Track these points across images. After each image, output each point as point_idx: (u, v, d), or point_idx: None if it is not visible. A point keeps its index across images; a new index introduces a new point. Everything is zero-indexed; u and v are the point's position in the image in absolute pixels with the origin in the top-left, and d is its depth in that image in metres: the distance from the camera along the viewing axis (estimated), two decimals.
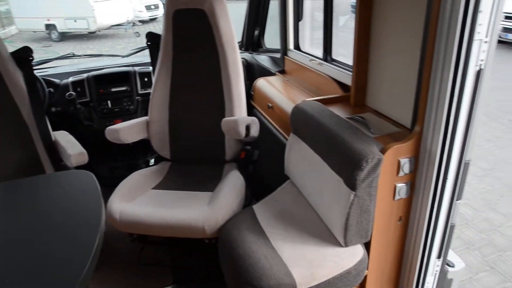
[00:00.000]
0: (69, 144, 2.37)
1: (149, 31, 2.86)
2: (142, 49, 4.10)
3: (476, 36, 1.43)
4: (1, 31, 17.68)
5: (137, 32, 15.51)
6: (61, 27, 15.45)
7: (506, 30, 10.14)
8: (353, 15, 2.03)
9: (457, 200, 1.76)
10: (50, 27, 15.61)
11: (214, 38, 2.51)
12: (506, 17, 10.13)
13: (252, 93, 3.11)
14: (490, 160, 4.69)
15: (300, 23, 3.04)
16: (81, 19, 14.89)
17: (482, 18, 1.41)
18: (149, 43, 2.83)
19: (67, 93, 2.96)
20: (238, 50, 2.58)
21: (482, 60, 1.49)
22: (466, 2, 1.37)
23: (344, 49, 2.10)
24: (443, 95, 1.52)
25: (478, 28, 1.42)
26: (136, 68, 3.26)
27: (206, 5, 2.46)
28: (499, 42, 10.69)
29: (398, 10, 1.79)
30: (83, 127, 3.14)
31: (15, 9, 15.92)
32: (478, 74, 1.50)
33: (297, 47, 3.04)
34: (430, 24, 1.49)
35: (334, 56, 2.61)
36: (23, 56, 2.51)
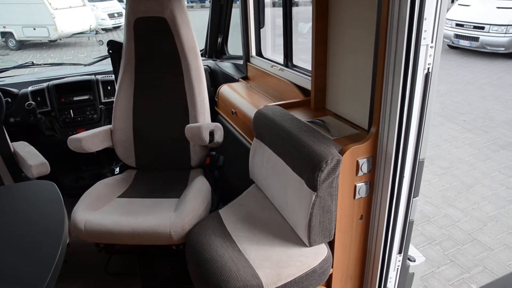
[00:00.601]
0: (30, 155, 2.31)
1: (111, 39, 2.84)
2: (105, 57, 4.05)
3: (423, 42, 1.52)
4: None
5: (100, 41, 15.27)
6: (19, 35, 14.72)
7: (457, 36, 10.67)
8: None
9: (414, 197, 1.84)
10: (6, 34, 14.81)
11: (176, 45, 2.53)
12: (457, 25, 10.66)
13: (216, 99, 3.14)
14: (448, 159, 4.91)
15: (262, 30, 3.11)
16: (41, 27, 14.34)
17: (427, 25, 1.51)
18: (110, 51, 2.81)
19: (27, 103, 2.89)
20: (200, 57, 2.61)
21: (429, 64, 1.58)
22: (411, 10, 1.46)
23: (308, 55, 2.17)
24: (396, 97, 1.60)
25: (423, 34, 1.51)
26: (99, 77, 3.23)
27: (167, 13, 2.47)
28: (452, 47, 11.32)
29: (352, 18, 1.88)
30: (45, 137, 3.07)
31: None
32: (427, 76, 1.59)
33: (259, 53, 3.11)
34: (381, 31, 1.58)
35: (296, 62, 2.68)
36: None
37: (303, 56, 2.92)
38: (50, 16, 13.94)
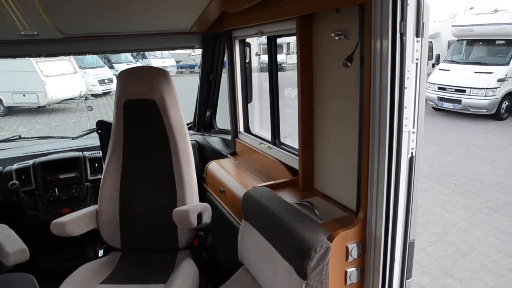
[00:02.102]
0: (8, 240, 2.21)
1: (100, 119, 2.86)
2: (92, 130, 4.06)
3: (404, 128, 1.56)
4: None
5: (89, 106, 15.45)
6: (8, 101, 14.70)
7: (441, 99, 11.11)
8: None
9: (407, 278, 1.79)
10: None
11: (165, 127, 2.55)
12: (439, 88, 11.15)
13: (205, 175, 3.13)
14: (441, 224, 4.87)
15: (249, 104, 3.18)
16: (31, 93, 14.43)
17: (407, 113, 1.55)
18: (99, 131, 2.82)
19: (10, 183, 2.84)
20: (188, 137, 2.62)
21: (412, 148, 1.60)
22: (391, 100, 1.51)
23: (295, 125, 2.21)
24: (381, 182, 1.60)
25: (405, 121, 1.55)
26: (86, 153, 3.21)
27: (156, 96, 2.52)
28: (437, 109, 11.72)
29: (336, 105, 1.94)
30: (26, 217, 2.97)
31: None
32: (411, 160, 1.61)
33: (247, 129, 3.15)
34: (364, 120, 1.61)
35: (283, 131, 2.70)
36: None
37: (291, 130, 2.95)
38: (41, 83, 14.12)
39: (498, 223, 4.83)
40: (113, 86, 18.06)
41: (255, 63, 3.17)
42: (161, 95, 2.50)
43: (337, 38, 1.83)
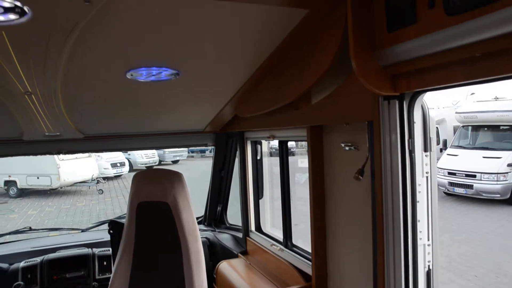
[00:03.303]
0: None
1: (112, 219, 2.87)
2: (102, 223, 4.05)
3: (419, 242, 1.54)
4: None
5: (100, 190, 15.54)
6: (22, 183, 15.08)
7: (452, 184, 11.04)
8: None
9: None
10: (9, 183, 15.19)
11: (177, 229, 2.54)
12: (449, 173, 11.14)
13: (215, 275, 3.04)
14: None
15: (260, 200, 3.19)
16: (45, 176, 14.75)
17: (421, 226, 1.55)
18: (111, 231, 2.81)
19: (15, 284, 2.77)
20: (200, 240, 2.59)
21: (429, 261, 1.57)
22: (404, 214, 1.52)
23: (306, 216, 2.19)
24: None
25: (419, 235, 1.54)
26: (96, 250, 3.17)
27: (170, 199, 2.54)
28: (449, 195, 11.58)
29: (349, 209, 1.95)
30: None
31: None
32: (428, 274, 1.57)
33: (258, 228, 3.12)
34: (377, 230, 1.61)
35: (294, 224, 2.66)
36: None
37: (303, 218, 2.91)
38: (55, 166, 14.41)
39: None
40: (124, 170, 18.49)
41: (265, 148, 3.23)
42: (174, 198, 2.53)
43: (347, 148, 1.89)
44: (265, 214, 3.18)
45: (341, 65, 1.59)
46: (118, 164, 17.88)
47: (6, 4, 1.10)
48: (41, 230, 3.98)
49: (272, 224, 3.16)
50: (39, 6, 1.14)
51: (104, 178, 16.61)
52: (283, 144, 2.63)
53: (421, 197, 1.56)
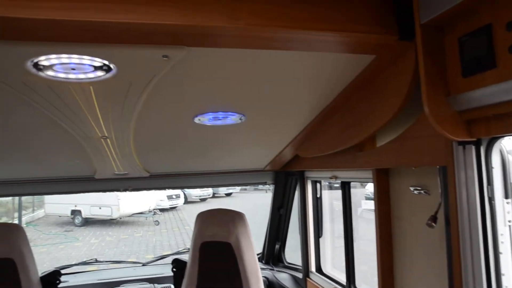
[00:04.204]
0: None
1: (176, 258, 2.92)
2: (162, 257, 4.17)
3: None
4: (31, 214, 18.63)
5: (156, 221, 16.06)
6: (86, 213, 16.24)
7: None
8: None
9: None
10: (75, 212, 16.45)
11: (239, 270, 2.55)
12: None
13: None
14: None
15: (320, 239, 3.11)
16: (106, 206, 15.65)
17: (506, 281, 1.43)
18: (174, 269, 2.86)
19: None
20: (261, 280, 2.58)
21: None
22: (487, 267, 1.41)
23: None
24: None
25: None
26: (158, 287, 3.23)
27: (232, 239, 2.57)
28: None
29: (419, 258, 1.85)
30: None
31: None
32: None
33: (319, 269, 3.03)
34: (455, 283, 1.50)
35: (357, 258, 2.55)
36: (51, 280, 2.57)
37: (363, 267, 2.80)
38: (116, 198, 15.25)
39: None
40: (180, 202, 19.01)
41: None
42: (237, 238, 2.54)
43: (416, 192, 1.81)
44: (325, 253, 3.09)
45: (410, 108, 1.56)
46: (174, 196, 18.46)
47: (97, 64, 1.20)
48: (105, 262, 4.15)
49: (333, 265, 3.06)
50: (123, 63, 1.23)
51: (160, 210, 17.14)
52: (345, 185, 2.58)
53: (504, 248, 1.45)
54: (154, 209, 16.47)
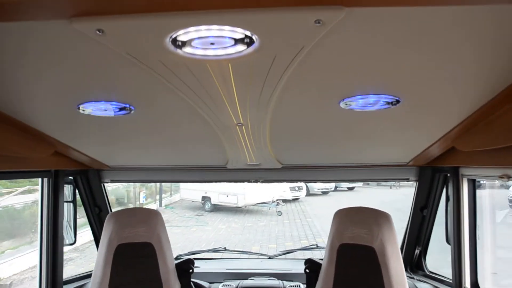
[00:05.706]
0: None
1: (310, 258, 2.72)
2: (289, 251, 4.07)
3: None
4: (169, 198, 20.88)
5: (279, 211, 16.39)
6: (214, 200, 17.49)
7: None
8: None
9: None
10: (205, 199, 17.87)
11: (383, 280, 2.23)
12: None
13: None
14: None
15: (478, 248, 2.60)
16: (232, 195, 16.59)
17: None
18: (307, 270, 2.68)
19: None
20: None
21: None
22: None
23: None
24: None
25: None
26: (287, 285, 3.10)
27: (376, 243, 2.26)
28: None
29: None
30: None
31: None
32: None
33: (475, 285, 2.53)
34: None
35: None
36: (185, 268, 2.62)
37: None
38: (242, 188, 16.05)
39: None
40: (302, 194, 19.16)
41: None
42: (381, 242, 2.24)
43: None
44: (484, 266, 2.58)
45: None
46: (296, 188, 18.66)
47: (237, 35, 1.04)
48: (233, 252, 4.22)
49: (495, 282, 2.53)
50: (267, 33, 1.04)
51: (283, 201, 17.46)
52: None
53: None
54: (277, 200, 16.83)
